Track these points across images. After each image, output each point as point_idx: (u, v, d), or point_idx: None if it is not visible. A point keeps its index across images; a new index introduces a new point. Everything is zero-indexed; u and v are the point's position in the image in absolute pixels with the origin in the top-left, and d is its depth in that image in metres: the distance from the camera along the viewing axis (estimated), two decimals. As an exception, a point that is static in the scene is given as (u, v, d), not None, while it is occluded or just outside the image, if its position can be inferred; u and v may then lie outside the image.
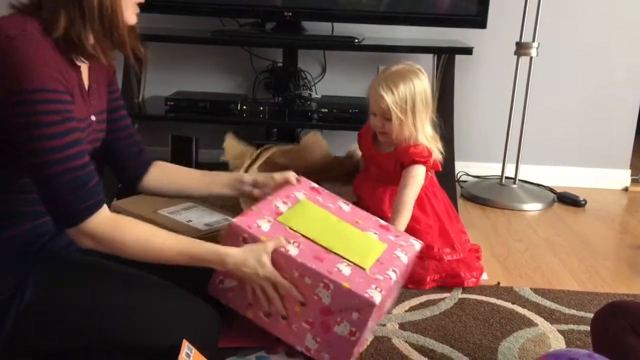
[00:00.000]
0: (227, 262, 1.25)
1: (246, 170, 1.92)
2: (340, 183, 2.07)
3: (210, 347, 1.26)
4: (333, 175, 2.12)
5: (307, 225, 1.37)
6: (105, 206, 1.17)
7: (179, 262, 1.23)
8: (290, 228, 1.35)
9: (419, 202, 1.84)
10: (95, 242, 1.16)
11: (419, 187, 1.82)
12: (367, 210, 1.59)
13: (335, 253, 1.32)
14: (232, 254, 1.25)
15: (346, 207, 1.52)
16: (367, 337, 1.45)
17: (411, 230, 1.73)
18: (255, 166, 1.95)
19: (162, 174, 1.50)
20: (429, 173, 1.87)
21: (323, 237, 1.34)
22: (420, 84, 1.81)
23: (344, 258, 1.31)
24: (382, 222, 1.54)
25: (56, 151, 1.09)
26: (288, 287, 1.28)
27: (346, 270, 1.28)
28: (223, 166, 2.08)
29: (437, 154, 1.85)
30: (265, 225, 1.33)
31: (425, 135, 1.83)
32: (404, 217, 1.74)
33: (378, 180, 1.92)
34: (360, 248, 1.35)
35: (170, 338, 1.16)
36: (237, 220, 1.32)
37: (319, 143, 2.13)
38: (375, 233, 1.45)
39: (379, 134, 1.87)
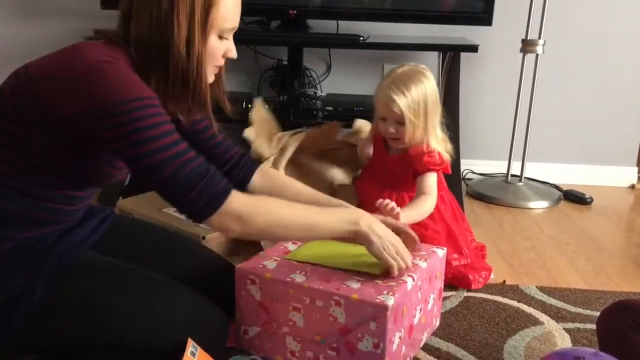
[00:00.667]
0: (360, 223, 1.25)
1: (274, 162, 1.93)
2: (348, 168, 2.08)
3: (218, 347, 1.26)
4: (340, 156, 2.12)
5: (314, 256, 1.39)
6: (234, 190, 1.17)
7: (320, 231, 1.26)
8: (297, 262, 1.37)
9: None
10: (242, 223, 1.16)
11: (436, 195, 1.80)
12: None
13: (344, 270, 1.33)
14: (363, 215, 1.28)
15: None
16: (405, 351, 1.36)
17: (419, 236, 1.71)
18: (285, 159, 1.95)
19: (269, 184, 1.46)
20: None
21: (331, 260, 1.35)
22: (430, 85, 1.77)
23: (354, 271, 1.32)
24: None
25: (171, 147, 1.10)
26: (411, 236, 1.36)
27: (355, 284, 1.28)
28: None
29: (446, 157, 1.83)
30: (271, 264, 1.36)
31: (437, 138, 1.81)
32: (414, 218, 1.72)
33: (384, 184, 1.87)
34: (368, 258, 1.33)
35: (176, 338, 1.17)
36: (242, 265, 1.35)
37: (331, 128, 2.15)
38: None
39: (390, 140, 1.83)
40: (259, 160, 1.45)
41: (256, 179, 1.47)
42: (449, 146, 1.84)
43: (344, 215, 1.29)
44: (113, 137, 1.10)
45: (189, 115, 1.27)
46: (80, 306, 1.18)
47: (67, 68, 1.11)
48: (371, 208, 1.74)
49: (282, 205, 1.23)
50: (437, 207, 1.84)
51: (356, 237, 1.27)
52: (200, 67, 1.19)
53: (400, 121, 1.75)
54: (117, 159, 1.21)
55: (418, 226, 1.74)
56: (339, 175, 2.08)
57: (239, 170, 1.45)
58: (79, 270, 1.22)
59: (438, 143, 1.81)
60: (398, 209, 1.60)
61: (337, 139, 2.15)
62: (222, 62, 1.26)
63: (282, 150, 1.98)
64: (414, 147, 1.79)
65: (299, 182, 1.52)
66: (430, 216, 1.82)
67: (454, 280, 1.79)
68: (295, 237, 1.32)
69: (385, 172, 1.89)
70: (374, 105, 1.82)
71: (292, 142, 2.00)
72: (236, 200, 1.16)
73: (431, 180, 1.80)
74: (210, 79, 1.25)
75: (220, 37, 1.22)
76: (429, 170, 1.78)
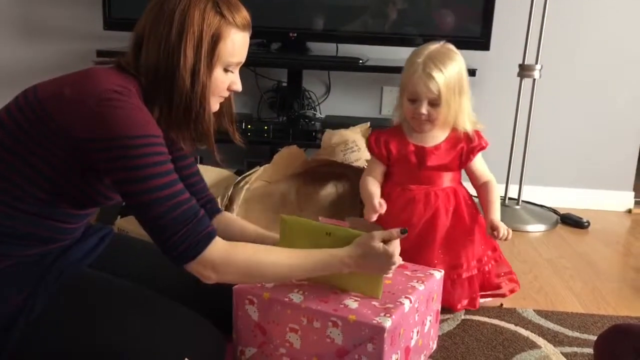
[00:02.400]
0: (346, 262, 1.26)
1: (228, 203, 1.87)
2: (334, 180, 2.02)
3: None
4: (322, 174, 2.07)
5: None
6: (217, 236, 1.18)
7: (298, 277, 1.30)
8: (296, 280, 1.36)
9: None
10: (217, 273, 1.17)
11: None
12: (415, 222, 1.68)
13: (343, 289, 1.32)
14: (348, 252, 1.26)
15: None
16: None
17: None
18: (234, 211, 1.87)
19: (228, 229, 1.43)
20: None
21: (329, 278, 1.34)
22: (463, 63, 1.69)
23: (354, 291, 1.32)
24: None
25: (167, 187, 1.13)
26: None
27: (353, 304, 1.28)
28: None
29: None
30: (268, 284, 1.35)
31: (471, 118, 1.74)
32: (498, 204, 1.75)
33: (428, 182, 1.74)
34: (368, 278, 1.32)
35: (174, 357, 1.17)
36: (240, 285, 1.34)
37: (293, 153, 2.05)
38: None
39: (422, 123, 1.69)
40: (220, 209, 1.45)
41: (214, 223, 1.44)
42: (479, 126, 1.77)
43: (328, 255, 1.26)
44: (113, 169, 1.12)
45: (191, 144, 1.30)
46: (78, 324, 1.18)
47: (81, 92, 1.14)
48: (420, 214, 1.72)
49: (263, 256, 1.22)
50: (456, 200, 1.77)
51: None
52: (204, 98, 1.21)
53: (435, 102, 1.64)
54: None
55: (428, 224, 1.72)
56: (330, 190, 2.05)
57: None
58: (78, 288, 1.22)
59: (471, 124, 1.74)
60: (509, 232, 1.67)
61: (306, 160, 2.08)
62: (226, 93, 1.29)
63: (230, 204, 1.92)
64: (452, 130, 1.74)
65: (244, 221, 1.50)
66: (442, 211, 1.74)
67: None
68: (275, 282, 1.31)
69: (424, 169, 1.73)
70: (400, 86, 1.71)
71: (237, 193, 1.91)
72: (216, 249, 1.17)
73: (483, 160, 1.79)
74: (215, 108, 1.27)
75: (226, 70, 1.25)
76: (483, 148, 1.75)
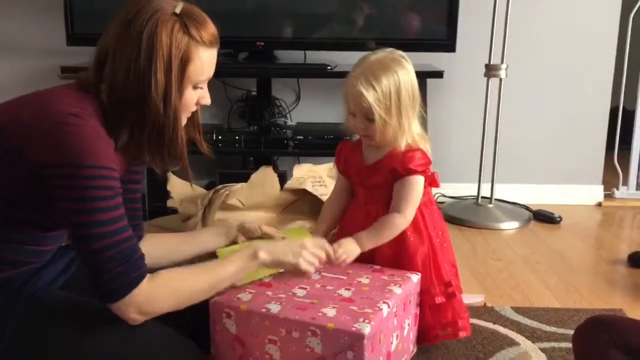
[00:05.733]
0: (259, 257, 1.31)
1: (202, 218, 1.88)
2: (303, 216, 1.98)
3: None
4: (289, 208, 2.04)
5: None
6: (147, 275, 1.18)
7: (222, 288, 1.30)
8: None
9: (415, 225, 1.56)
10: (143, 314, 1.17)
11: (416, 206, 1.53)
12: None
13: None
14: (256, 248, 1.32)
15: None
16: None
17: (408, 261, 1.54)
18: (212, 215, 1.88)
19: (152, 246, 1.42)
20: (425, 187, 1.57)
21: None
22: (405, 75, 1.51)
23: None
24: (376, 266, 1.51)
25: (107, 224, 1.11)
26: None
27: (331, 312, 1.27)
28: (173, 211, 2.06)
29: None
30: (245, 297, 1.34)
31: (413, 135, 1.55)
32: (379, 239, 1.52)
33: (367, 203, 1.59)
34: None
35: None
36: (217, 299, 1.33)
37: (268, 178, 2.03)
38: (368, 277, 1.44)
39: (363, 138, 1.58)
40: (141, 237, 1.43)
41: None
42: (429, 145, 1.59)
43: (241, 257, 1.31)
44: (62, 197, 1.11)
45: (163, 166, 1.29)
46: (50, 346, 1.16)
47: (37, 117, 1.12)
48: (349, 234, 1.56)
49: (181, 280, 1.23)
50: (423, 222, 1.57)
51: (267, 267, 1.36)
52: (177, 121, 1.20)
53: (369, 117, 1.49)
54: None
55: (405, 248, 1.54)
56: (299, 225, 2.01)
57: None
58: (49, 310, 1.20)
59: (416, 141, 1.55)
60: (345, 258, 1.47)
61: (275, 187, 2.04)
62: (195, 108, 1.28)
63: (209, 206, 1.94)
64: (390, 148, 1.54)
65: (169, 237, 1.53)
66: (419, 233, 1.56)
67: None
68: (204, 298, 1.30)
69: (365, 190, 1.60)
70: (343, 99, 1.58)
71: (217, 197, 1.94)
72: (141, 290, 1.15)
73: (411, 187, 1.52)
74: (183, 123, 1.26)
75: (195, 87, 1.24)
76: (411, 171, 1.51)
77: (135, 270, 1.15)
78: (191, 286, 1.23)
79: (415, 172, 1.51)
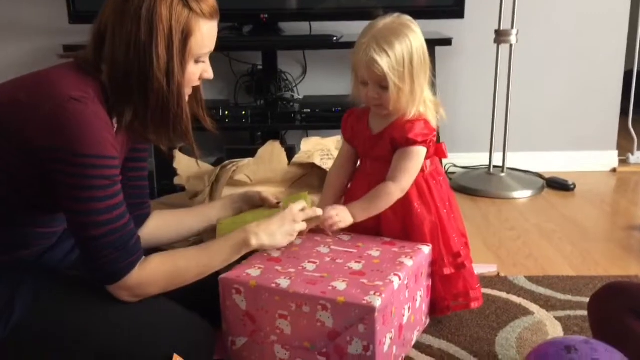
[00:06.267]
0: (250, 242, 1.30)
1: (210, 195, 1.87)
2: (312, 190, 1.91)
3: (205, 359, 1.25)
4: (298, 183, 2.02)
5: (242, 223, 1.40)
6: (143, 258, 1.19)
7: (217, 267, 1.30)
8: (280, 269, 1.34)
9: (422, 195, 1.52)
10: (133, 295, 1.18)
11: (413, 177, 1.48)
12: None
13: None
14: (247, 232, 1.31)
15: (346, 237, 1.50)
16: (396, 352, 1.34)
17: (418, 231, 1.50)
18: (219, 191, 1.87)
19: (159, 222, 1.45)
20: (429, 158, 1.53)
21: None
22: (417, 39, 1.46)
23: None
24: (386, 239, 1.49)
25: (103, 213, 1.11)
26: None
27: (341, 285, 1.26)
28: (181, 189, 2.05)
29: (434, 125, 1.52)
30: (254, 272, 1.33)
31: (425, 102, 1.51)
32: (373, 209, 1.48)
33: (373, 174, 1.54)
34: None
35: (162, 353, 1.15)
36: (226, 275, 1.32)
37: (275, 152, 2.01)
38: (378, 250, 1.43)
39: (374, 107, 1.52)
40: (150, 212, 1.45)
41: (146, 226, 1.44)
42: (442, 110, 1.55)
43: (232, 242, 1.30)
44: (61, 183, 1.10)
45: (169, 143, 1.27)
46: (59, 326, 1.16)
47: (36, 99, 1.10)
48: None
49: (173, 264, 1.23)
50: (430, 193, 1.53)
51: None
52: (180, 97, 1.18)
53: (383, 85, 1.44)
54: None
55: (414, 217, 1.50)
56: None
57: (135, 219, 1.37)
58: (57, 291, 1.20)
59: (427, 108, 1.51)
60: (337, 221, 1.46)
61: (283, 162, 2.01)
62: (198, 83, 1.26)
63: (216, 182, 1.93)
64: (399, 116, 1.49)
65: (177, 213, 1.53)
66: (427, 206, 1.52)
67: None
68: (195, 280, 1.29)
69: (371, 161, 1.56)
70: (351, 68, 1.52)
71: (224, 174, 1.92)
72: (134, 275, 1.16)
73: (410, 157, 1.47)
74: (186, 98, 1.24)
75: (197, 61, 1.22)
76: (409, 142, 1.46)
77: (129, 256, 1.15)
78: (181, 273, 1.24)
79: (414, 142, 1.47)
